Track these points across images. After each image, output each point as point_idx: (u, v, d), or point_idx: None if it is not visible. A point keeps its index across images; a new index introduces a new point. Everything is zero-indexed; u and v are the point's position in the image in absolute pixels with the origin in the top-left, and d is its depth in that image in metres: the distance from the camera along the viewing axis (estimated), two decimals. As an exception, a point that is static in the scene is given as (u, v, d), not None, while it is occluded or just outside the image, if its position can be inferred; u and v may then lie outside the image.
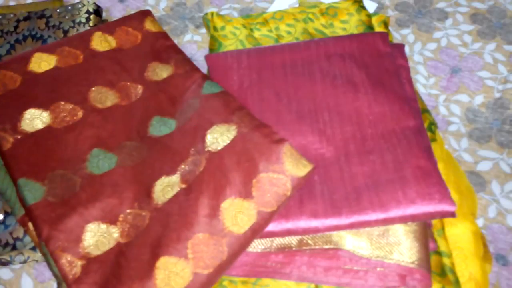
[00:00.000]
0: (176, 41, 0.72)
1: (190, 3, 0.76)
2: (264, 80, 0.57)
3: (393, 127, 0.50)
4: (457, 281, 0.43)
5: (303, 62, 0.58)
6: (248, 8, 0.75)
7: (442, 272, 0.43)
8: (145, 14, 0.65)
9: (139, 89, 0.57)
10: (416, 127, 0.49)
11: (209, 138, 0.50)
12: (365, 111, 0.51)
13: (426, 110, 0.58)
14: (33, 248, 0.50)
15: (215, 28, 0.67)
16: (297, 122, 0.52)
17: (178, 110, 0.55)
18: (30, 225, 0.49)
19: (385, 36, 0.59)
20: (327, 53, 0.58)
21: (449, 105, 0.62)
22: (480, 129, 0.60)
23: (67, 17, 0.67)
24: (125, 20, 0.63)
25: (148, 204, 0.47)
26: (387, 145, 0.48)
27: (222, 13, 0.74)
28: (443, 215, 0.43)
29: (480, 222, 0.52)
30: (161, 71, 0.59)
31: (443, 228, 0.47)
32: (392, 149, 0.47)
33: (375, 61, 0.56)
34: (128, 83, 0.57)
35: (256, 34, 0.67)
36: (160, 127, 0.54)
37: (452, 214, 0.43)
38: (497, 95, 0.63)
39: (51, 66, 0.57)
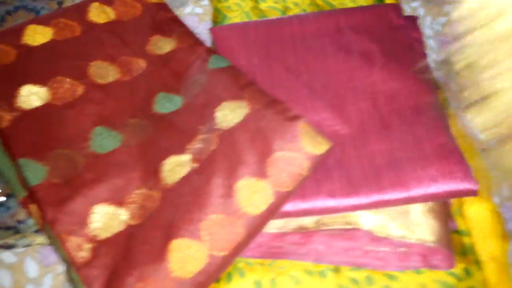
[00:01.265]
0: (176, 14, 0.68)
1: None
2: (273, 54, 0.54)
3: (410, 104, 0.48)
4: (477, 261, 0.42)
5: (313, 35, 0.56)
6: (251, -21, 0.71)
7: (463, 252, 0.42)
8: (144, -16, 0.61)
9: (141, 63, 0.54)
10: (433, 103, 0.48)
11: (219, 115, 0.47)
12: (381, 87, 0.50)
13: (438, 86, 0.56)
14: (37, 231, 0.48)
15: (218, 0, 0.64)
16: (309, 98, 0.50)
17: (184, 86, 0.52)
18: (32, 207, 0.46)
19: (397, 8, 0.57)
20: (338, 25, 0.56)
21: (461, 81, 0.61)
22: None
23: (60, -13, 0.63)
24: (124, -10, 0.60)
25: (157, 184, 0.45)
26: (405, 122, 0.46)
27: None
28: (466, 193, 0.42)
29: (495, 200, 0.51)
30: (163, 45, 0.56)
31: (460, 207, 0.46)
32: (411, 126, 0.46)
33: (389, 34, 0.54)
34: (129, 57, 0.54)
35: (262, 5, 0.64)
36: (165, 103, 0.51)
37: (475, 193, 0.42)
38: None
39: (47, 39, 0.54)
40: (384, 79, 0.50)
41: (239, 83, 0.49)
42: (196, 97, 0.50)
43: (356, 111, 0.48)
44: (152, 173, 0.45)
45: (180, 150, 0.46)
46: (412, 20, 0.58)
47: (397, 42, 0.53)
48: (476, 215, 0.46)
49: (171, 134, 0.47)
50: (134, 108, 0.51)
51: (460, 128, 0.55)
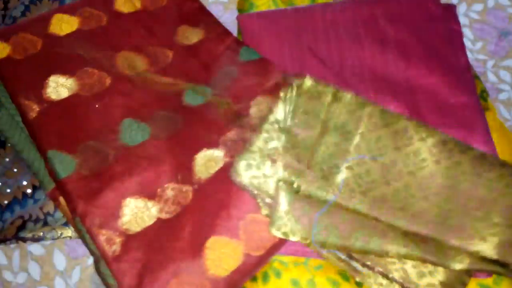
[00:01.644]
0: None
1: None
2: (304, 43, 0.53)
3: (448, 101, 0.46)
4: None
5: (347, 24, 0.54)
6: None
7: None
8: (170, -29, 0.60)
9: (169, 54, 0.53)
10: (473, 104, 0.46)
11: (254, 110, 0.46)
12: (418, 81, 0.48)
13: (476, 77, 0.54)
14: (66, 224, 0.47)
15: (244, -13, 0.62)
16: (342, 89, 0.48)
17: (213, 77, 0.51)
18: (61, 199, 0.46)
19: (435, -5, 0.54)
20: (373, 14, 0.54)
21: (498, 71, 0.58)
22: (532, 97, 0.56)
23: (84, -25, 0.62)
24: (149, -22, 0.58)
25: (189, 179, 0.44)
26: (444, 121, 0.45)
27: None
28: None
29: None
30: (191, 35, 0.55)
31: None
32: (450, 127, 0.44)
33: (427, 25, 0.52)
34: (157, 48, 0.53)
35: (290, -8, 0.62)
36: (195, 95, 0.50)
37: None
38: (550, 60, 0.58)
39: (74, 29, 0.53)
40: (422, 74, 0.48)
41: (274, 78, 0.48)
42: (227, 89, 0.49)
43: (393, 107, 0.46)
44: (184, 167, 0.44)
45: (212, 144, 0.45)
46: (451, 9, 0.55)
47: (436, 34, 0.51)
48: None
49: (202, 127, 0.46)
50: (163, 100, 0.49)
51: (499, 121, 0.52)
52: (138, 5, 0.56)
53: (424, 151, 0.42)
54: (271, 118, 0.45)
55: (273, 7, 0.60)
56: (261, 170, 0.41)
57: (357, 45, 0.51)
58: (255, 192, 0.41)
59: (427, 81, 0.48)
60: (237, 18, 0.57)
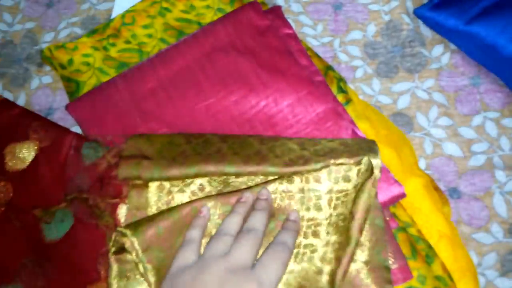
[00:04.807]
0: (23, 93, 0.58)
1: (17, 39, 0.61)
2: (149, 115, 0.47)
3: (308, 118, 0.44)
4: (429, 247, 0.41)
5: (183, 73, 0.49)
6: (89, 18, 0.61)
7: (413, 252, 0.40)
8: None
9: (8, 188, 0.45)
10: (330, 109, 0.45)
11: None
12: (272, 111, 0.45)
13: (328, 68, 0.53)
14: None
15: (62, 66, 0.54)
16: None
17: (68, 193, 0.45)
18: None
19: (256, 5, 0.51)
20: (205, 52, 0.49)
21: (346, 48, 0.57)
22: (385, 62, 0.56)
23: None
24: None
25: None
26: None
27: (61, 35, 0.60)
28: (396, 199, 0.40)
29: (422, 164, 0.50)
30: (24, 155, 0.47)
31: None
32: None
33: (259, 43, 0.49)
34: None
35: (113, 52, 0.55)
36: (56, 225, 0.43)
37: (404, 195, 0.40)
38: (386, 18, 0.59)
39: None
40: (273, 101, 0.45)
41: None
42: (88, 210, 0.43)
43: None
44: None
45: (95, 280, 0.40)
46: (276, 12, 0.52)
47: (271, 49, 0.48)
48: (412, 197, 0.44)
49: (74, 270, 0.40)
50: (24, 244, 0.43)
51: (364, 103, 0.52)
52: None
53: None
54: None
55: (102, 78, 0.53)
56: None
57: (200, 96, 0.47)
58: None
59: (281, 107, 0.45)
60: (67, 108, 0.50)
